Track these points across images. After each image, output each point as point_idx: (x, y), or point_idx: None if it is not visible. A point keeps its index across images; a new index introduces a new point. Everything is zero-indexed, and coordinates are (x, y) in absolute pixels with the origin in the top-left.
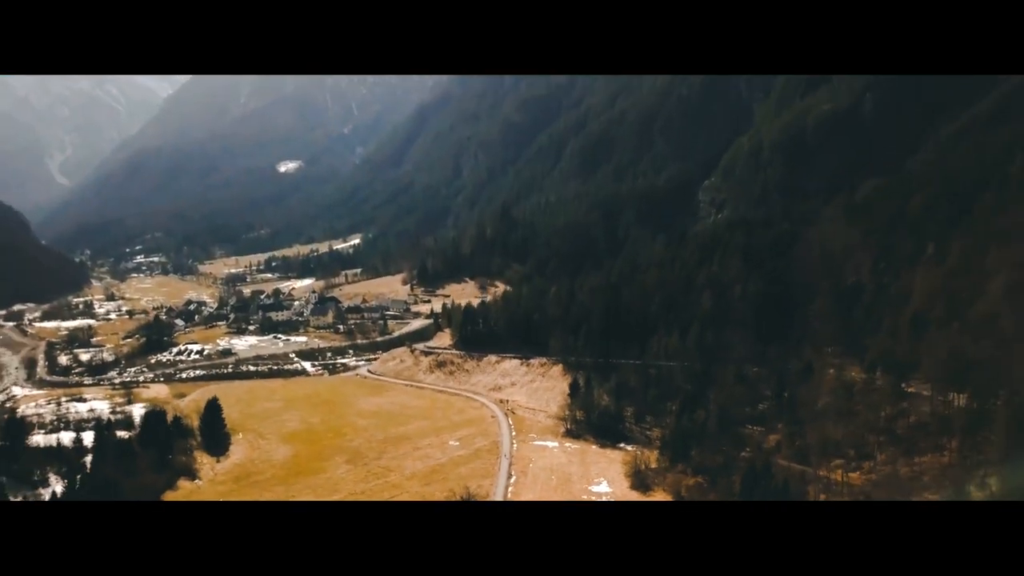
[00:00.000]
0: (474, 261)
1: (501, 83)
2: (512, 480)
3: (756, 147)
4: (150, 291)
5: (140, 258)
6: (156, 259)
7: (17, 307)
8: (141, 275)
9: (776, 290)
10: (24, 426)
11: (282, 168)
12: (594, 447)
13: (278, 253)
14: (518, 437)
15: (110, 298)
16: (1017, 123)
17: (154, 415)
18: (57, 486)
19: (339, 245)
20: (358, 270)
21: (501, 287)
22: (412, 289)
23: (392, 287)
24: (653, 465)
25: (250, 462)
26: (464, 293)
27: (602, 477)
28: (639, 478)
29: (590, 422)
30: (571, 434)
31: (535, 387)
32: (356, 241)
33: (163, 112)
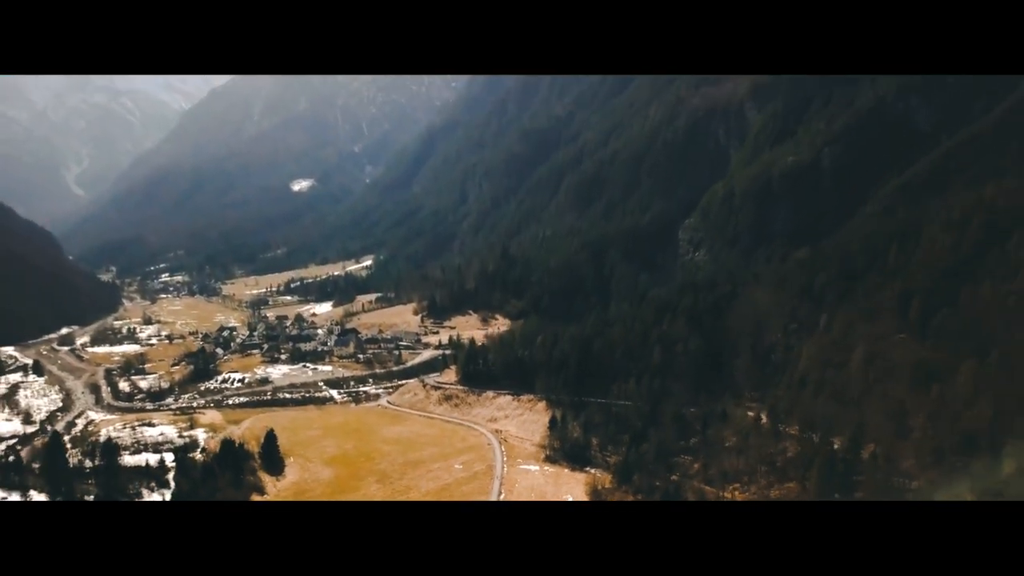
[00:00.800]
0: (477, 296)
1: (505, 112)
2: (501, 497)
3: (729, 193)
4: (181, 314)
5: (165, 276)
6: (180, 278)
7: (64, 330)
8: (169, 295)
9: (710, 347)
10: (116, 448)
11: (295, 187)
12: (566, 470)
13: (296, 274)
14: (508, 462)
15: (147, 322)
16: (935, 193)
17: (228, 442)
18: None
19: (352, 267)
20: (373, 297)
21: (501, 320)
22: (422, 321)
23: (404, 317)
24: (607, 486)
25: (303, 481)
26: (468, 325)
27: (569, 495)
28: (596, 496)
29: (564, 450)
30: (549, 459)
31: (523, 419)
32: (368, 262)
33: (179, 129)
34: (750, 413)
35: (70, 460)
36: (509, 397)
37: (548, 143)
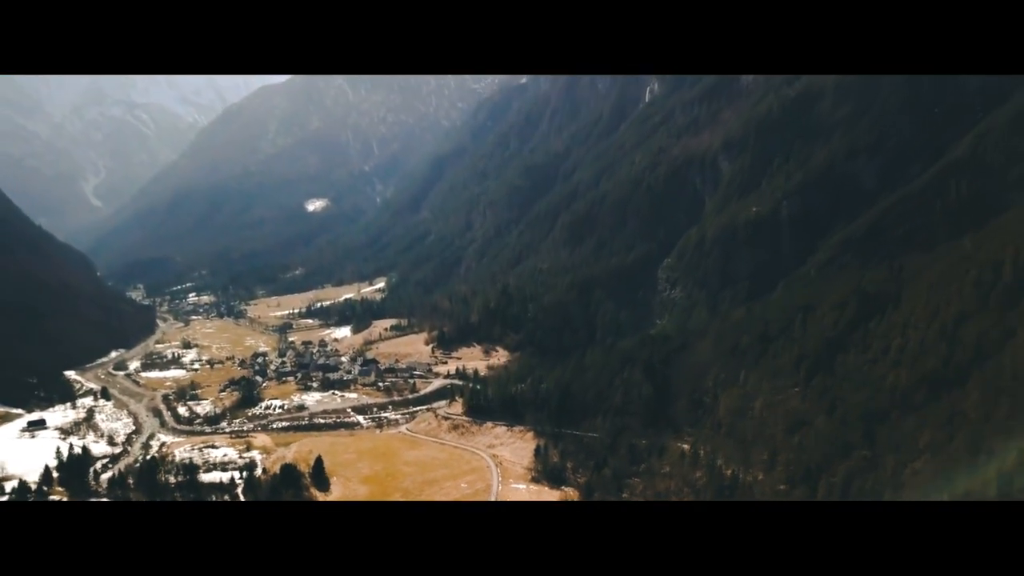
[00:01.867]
0: (480, 329)
1: (507, 146)
2: None
3: (701, 238)
4: (214, 337)
5: (192, 296)
6: (207, 298)
7: (113, 353)
8: (199, 316)
9: (659, 391)
10: (195, 466)
11: (310, 207)
12: (547, 489)
13: (314, 295)
14: (502, 481)
15: (186, 346)
16: (872, 244)
17: (288, 466)
18: None
19: (366, 289)
20: (388, 324)
21: (501, 351)
22: (433, 352)
23: (416, 347)
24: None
25: (345, 496)
26: (472, 356)
27: None
28: None
29: (546, 472)
30: (535, 480)
31: (515, 447)
32: (381, 285)
33: (195, 146)
34: (684, 446)
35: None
36: (504, 428)
37: (547, 178)
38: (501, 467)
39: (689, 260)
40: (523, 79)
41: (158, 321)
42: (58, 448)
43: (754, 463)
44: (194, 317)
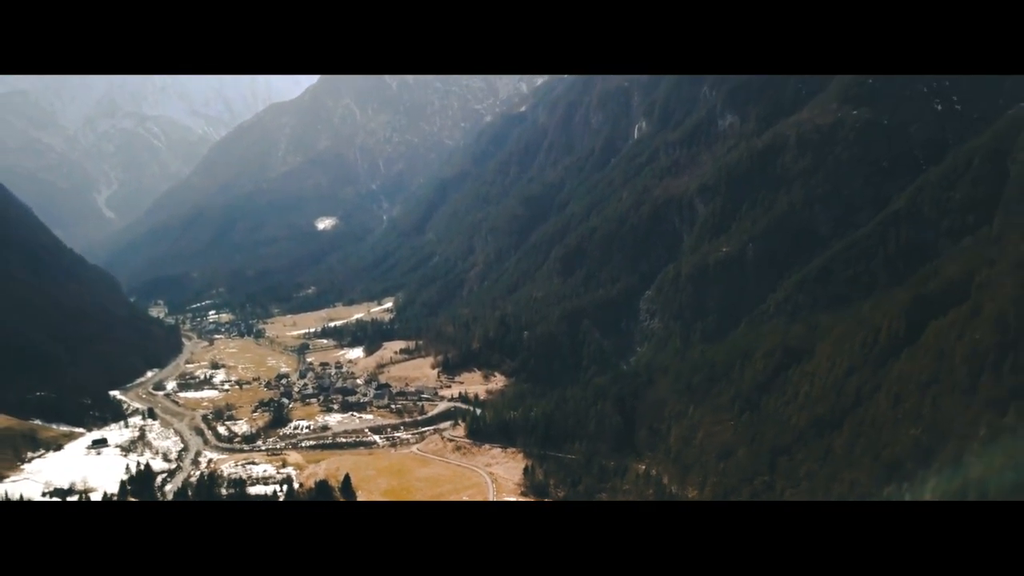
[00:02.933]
0: (480, 356)
1: (507, 174)
2: None
3: (677, 274)
4: (238, 357)
5: (212, 314)
6: (226, 316)
7: (149, 373)
8: (221, 334)
9: (626, 421)
10: (243, 481)
11: (320, 225)
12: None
13: (327, 314)
14: (497, 496)
15: (214, 366)
16: (823, 287)
17: (322, 482)
18: None
19: (375, 309)
20: (398, 347)
21: (499, 376)
22: (438, 376)
23: (423, 371)
24: None
25: None
26: (474, 380)
27: None
28: None
29: (532, 488)
30: (523, 494)
31: (508, 466)
32: (389, 304)
33: (207, 162)
34: (642, 468)
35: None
36: (499, 449)
37: (543, 207)
38: (496, 483)
39: (666, 294)
40: (523, 107)
41: (183, 340)
42: (127, 465)
43: (691, 484)
44: (217, 336)
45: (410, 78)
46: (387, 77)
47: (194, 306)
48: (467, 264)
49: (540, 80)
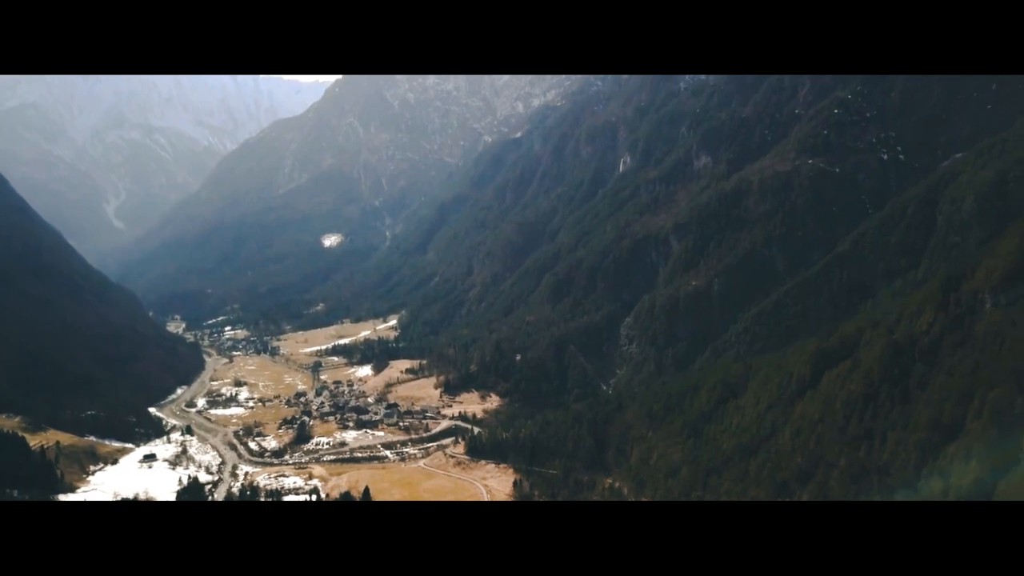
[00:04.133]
0: (478, 378)
1: (504, 200)
2: None
3: (652, 304)
4: (258, 374)
5: (228, 330)
6: (241, 331)
7: (179, 391)
8: (239, 352)
9: (597, 443)
10: (279, 492)
11: (326, 242)
12: None
13: (336, 331)
14: None
15: (238, 384)
16: (777, 321)
17: (346, 493)
18: None
19: (380, 326)
20: (404, 366)
21: (494, 397)
22: (441, 396)
23: (427, 391)
24: None
25: None
26: (472, 400)
27: None
28: None
29: (520, 498)
30: None
31: (501, 479)
32: (393, 322)
33: (216, 176)
34: (608, 482)
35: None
36: (493, 465)
37: (536, 234)
38: (490, 494)
39: (643, 321)
40: (519, 133)
41: (204, 356)
42: (179, 478)
43: (645, 497)
44: (235, 352)
45: (411, 97)
46: (388, 96)
47: (210, 322)
48: (466, 285)
49: (536, 101)
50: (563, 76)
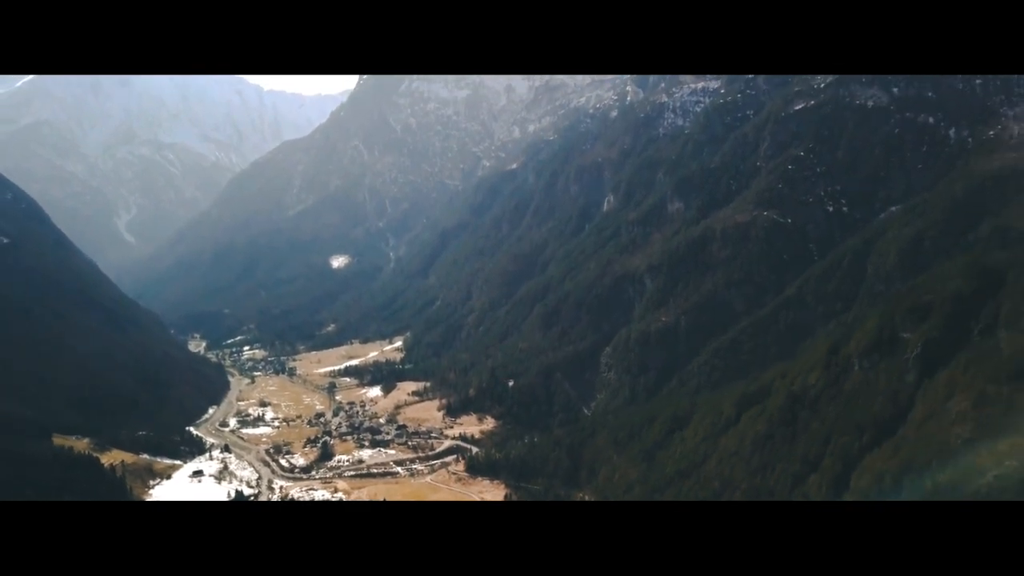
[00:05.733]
0: (475, 402)
1: (500, 230)
2: None
3: (627, 337)
4: (279, 394)
5: (247, 350)
6: (259, 351)
7: (211, 410)
8: (260, 372)
9: (573, 465)
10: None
11: (334, 263)
12: None
13: (346, 351)
14: None
15: (263, 404)
16: (734, 358)
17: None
18: None
19: (387, 347)
20: (410, 388)
21: (490, 419)
22: (443, 418)
23: (431, 412)
24: None
25: None
26: (471, 422)
27: None
28: None
29: None
30: None
31: (494, 493)
32: (399, 344)
33: (226, 196)
34: (579, 496)
35: None
36: (488, 481)
37: (529, 265)
38: None
39: (620, 352)
40: (514, 165)
41: (228, 377)
42: (229, 492)
43: None
44: (256, 373)
45: (413, 122)
46: (392, 120)
47: (229, 342)
48: (465, 310)
49: (532, 127)
50: (557, 105)
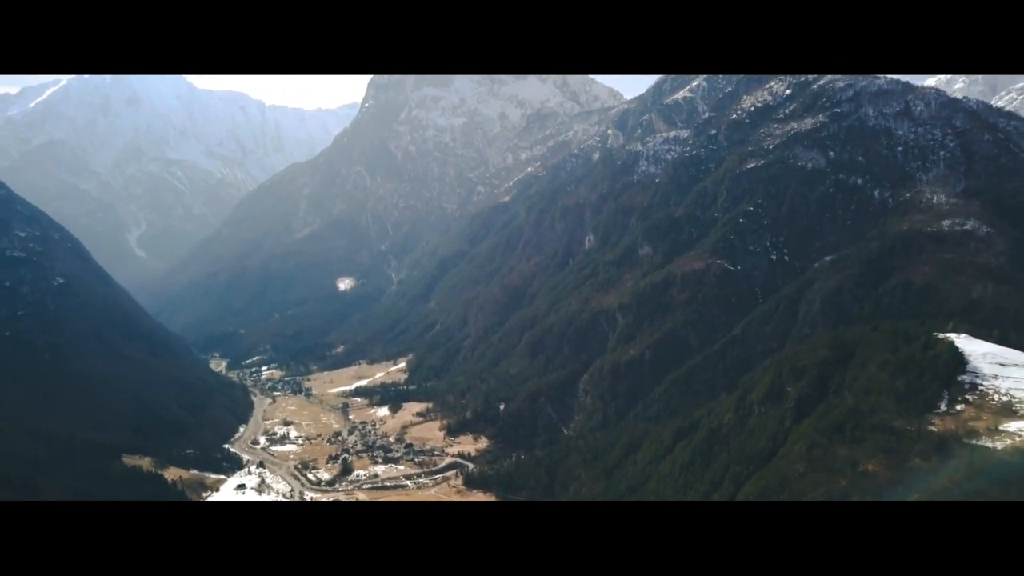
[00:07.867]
0: (471, 423)
1: (493, 260)
2: None
3: (602, 366)
4: (299, 414)
5: (264, 370)
6: (276, 372)
7: (241, 429)
8: (279, 392)
9: (553, 482)
10: None
11: (341, 286)
12: None
13: (355, 372)
14: None
15: (286, 423)
16: (692, 387)
17: None
18: None
19: (392, 368)
20: (415, 410)
21: (484, 439)
22: (444, 437)
23: (433, 432)
24: None
25: None
26: (467, 441)
27: None
28: None
29: None
30: None
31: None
32: (403, 365)
33: (234, 217)
34: None
35: None
36: (482, 493)
37: (519, 295)
38: None
39: (596, 380)
40: (506, 198)
41: (251, 397)
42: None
43: None
44: (275, 392)
45: (412, 149)
46: (392, 147)
47: (247, 362)
48: (463, 334)
49: (524, 154)
50: (547, 134)
